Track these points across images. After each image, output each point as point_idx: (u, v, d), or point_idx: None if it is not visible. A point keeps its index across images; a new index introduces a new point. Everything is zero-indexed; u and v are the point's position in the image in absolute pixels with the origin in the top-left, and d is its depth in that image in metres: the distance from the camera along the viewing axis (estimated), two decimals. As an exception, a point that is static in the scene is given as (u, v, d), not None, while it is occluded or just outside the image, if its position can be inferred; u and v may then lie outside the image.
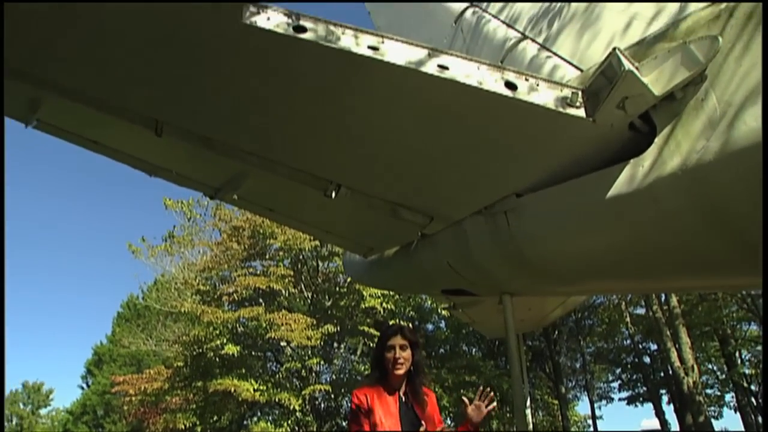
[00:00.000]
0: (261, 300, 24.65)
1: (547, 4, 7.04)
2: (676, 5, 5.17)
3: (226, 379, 22.12)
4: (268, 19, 3.81)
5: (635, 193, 3.80)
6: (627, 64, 3.69)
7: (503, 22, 7.60)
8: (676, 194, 3.61)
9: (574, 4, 6.49)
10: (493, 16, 7.94)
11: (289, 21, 3.82)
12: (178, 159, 5.69)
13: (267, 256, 25.99)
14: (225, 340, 22.86)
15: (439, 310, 27.06)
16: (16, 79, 4.54)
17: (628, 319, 30.63)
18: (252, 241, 25.16)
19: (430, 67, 3.83)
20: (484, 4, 8.31)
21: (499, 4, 7.99)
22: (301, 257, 25.48)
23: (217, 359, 23.66)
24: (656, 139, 3.75)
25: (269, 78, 4.16)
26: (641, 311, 30.26)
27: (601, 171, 4.06)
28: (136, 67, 4.31)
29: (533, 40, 6.84)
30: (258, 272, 24.99)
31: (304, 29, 3.81)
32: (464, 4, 8.79)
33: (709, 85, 3.52)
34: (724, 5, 3.66)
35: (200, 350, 23.87)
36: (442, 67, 3.87)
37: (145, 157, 5.83)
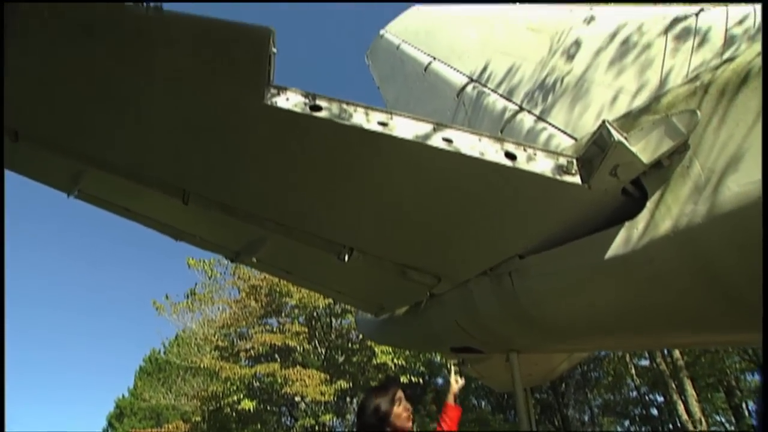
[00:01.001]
0: (277, 356, 24.26)
1: (541, 79, 7.33)
2: (656, 81, 5.38)
3: (243, 434, 21.47)
4: (287, 99, 3.99)
5: (631, 254, 3.81)
6: (616, 135, 3.80)
7: (501, 96, 7.86)
8: (669, 255, 3.62)
9: (566, 80, 6.75)
10: (491, 90, 8.22)
11: (306, 101, 4.00)
12: (202, 225, 5.81)
13: (283, 314, 25.81)
14: (242, 396, 22.33)
15: (449, 365, 26.36)
16: (62, 154, 4.75)
17: (633, 371, 29.61)
18: (269, 298, 25.06)
19: (436, 140, 3.96)
20: (483, 79, 8.63)
21: (497, 79, 8.30)
22: (315, 314, 25.26)
23: (234, 414, 23.02)
24: (648, 203, 3.80)
25: (287, 152, 4.31)
26: (646, 363, 29.29)
27: (599, 233, 4.09)
28: (168, 143, 4.50)
29: (530, 112, 7.05)
30: (274, 329, 24.72)
31: (319, 108, 3.98)
32: (465, 80, 9.11)
33: (692, 153, 3.60)
34: (699, 83, 3.80)
35: (217, 405, 23.29)
36: (447, 140, 4.00)
37: (172, 223, 5.96)
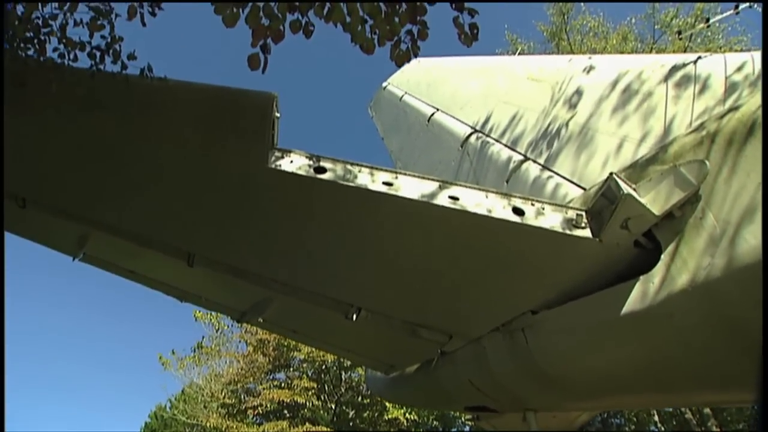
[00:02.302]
0: (286, 412, 23.54)
1: (544, 127, 7.39)
2: (660, 129, 5.40)
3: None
4: (292, 162, 4.02)
5: (649, 310, 3.69)
6: (625, 188, 3.76)
7: (505, 145, 7.92)
8: (689, 310, 3.51)
9: (569, 128, 6.80)
10: (495, 139, 8.29)
11: (311, 163, 4.03)
12: (208, 286, 5.76)
13: (291, 368, 25.23)
14: (250, 457, 21.54)
15: (463, 418, 25.49)
16: (67, 219, 4.78)
17: (656, 418, 28.41)
18: (277, 353, 24.59)
19: (442, 199, 3.94)
20: (487, 129, 8.72)
21: (500, 129, 8.39)
22: (324, 367, 24.71)
23: (243, 476, 22.14)
24: (663, 256, 3.72)
25: (293, 213, 4.31)
26: (670, 409, 28.12)
27: (613, 288, 3.99)
28: (173, 208, 4.52)
29: (535, 161, 7.08)
30: (282, 384, 24.12)
31: (324, 170, 4.00)
32: (468, 130, 9.21)
33: (705, 204, 3.54)
34: (705, 132, 3.80)
35: (225, 469, 22.47)
36: (453, 198, 3.98)
37: (177, 285, 5.92)
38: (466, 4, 2.82)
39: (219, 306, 6.34)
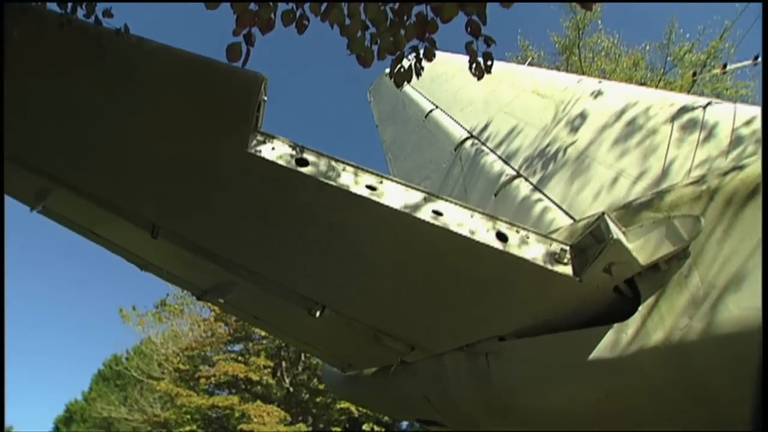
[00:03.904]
0: (242, 384, 23.41)
1: (542, 146, 7.26)
2: (659, 170, 5.30)
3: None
4: (273, 149, 3.82)
5: (618, 360, 3.62)
6: (615, 231, 3.65)
7: (500, 157, 7.78)
8: (659, 367, 3.44)
9: (567, 152, 6.68)
10: (490, 149, 8.15)
11: (293, 153, 3.83)
12: (170, 260, 5.54)
13: (251, 342, 25.07)
14: (195, 427, 21.41)
15: (416, 416, 25.66)
16: (29, 171, 4.52)
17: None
18: (239, 324, 24.39)
19: (425, 212, 3.79)
20: (483, 137, 8.57)
21: (497, 139, 8.24)
22: (284, 345, 24.62)
23: (185, 445, 22.06)
24: (640, 308, 3.64)
25: (268, 203, 4.12)
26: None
27: (586, 330, 3.90)
28: (142, 177, 4.30)
29: (526, 179, 6.95)
30: (239, 357, 23.97)
31: (306, 163, 3.81)
32: (465, 134, 9.04)
33: (692, 262, 3.46)
34: (705, 186, 3.70)
35: (168, 433, 22.33)
36: (437, 213, 3.83)
37: (139, 253, 5.69)
38: (484, 30, 2.62)
39: (180, 281, 6.14)
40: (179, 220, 4.66)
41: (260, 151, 3.75)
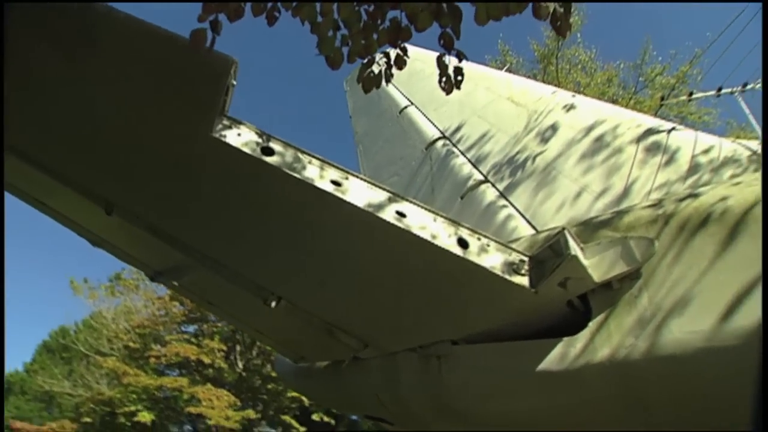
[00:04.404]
0: (193, 366, 23.02)
1: (512, 154, 7.34)
2: (621, 188, 5.44)
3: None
4: (239, 135, 3.73)
5: (564, 373, 3.70)
6: (573, 247, 3.71)
7: (469, 161, 7.83)
8: (603, 383, 3.54)
9: (535, 162, 6.78)
10: (461, 151, 8.20)
11: (259, 141, 3.75)
12: (124, 238, 5.38)
13: (206, 324, 24.69)
14: (141, 407, 20.95)
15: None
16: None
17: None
18: (194, 304, 23.99)
19: (389, 213, 3.77)
20: (455, 138, 8.61)
21: (468, 142, 8.29)
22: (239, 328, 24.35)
23: (129, 424, 21.55)
24: (591, 323, 3.72)
25: (230, 189, 4.03)
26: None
27: (537, 341, 3.97)
28: (99, 150, 4.13)
29: (493, 185, 7.02)
30: (192, 339, 23.56)
31: (271, 152, 3.74)
32: (437, 134, 9.06)
33: (643, 283, 3.55)
34: (661, 210, 3.80)
35: (112, 411, 21.78)
36: (400, 214, 3.81)
37: (91, 229, 5.50)
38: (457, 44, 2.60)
39: (133, 260, 5.96)
40: (136, 199, 4.51)
41: (225, 137, 3.66)
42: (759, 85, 4.67)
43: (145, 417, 20.45)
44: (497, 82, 9.05)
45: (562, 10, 2.50)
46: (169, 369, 24.40)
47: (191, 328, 25.33)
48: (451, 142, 8.67)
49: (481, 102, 8.83)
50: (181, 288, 6.00)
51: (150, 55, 3.47)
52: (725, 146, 4.78)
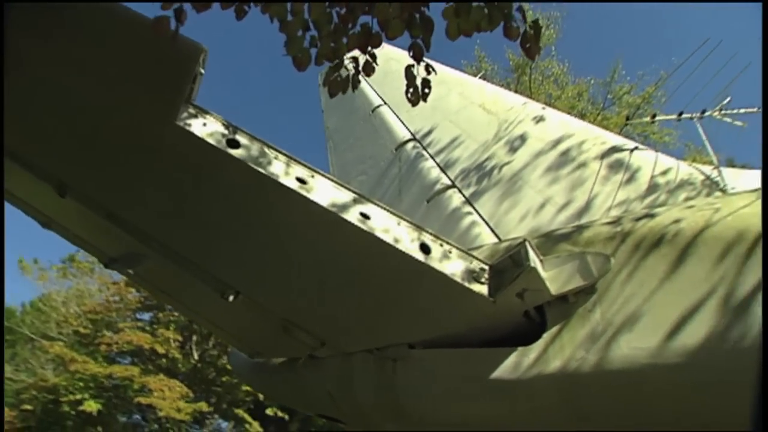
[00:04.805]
0: (146, 355, 22.40)
1: (480, 161, 7.43)
2: (583, 202, 5.56)
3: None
4: (205, 125, 3.65)
5: (517, 383, 3.76)
6: (533, 260, 3.77)
7: (438, 165, 7.88)
8: (552, 394, 3.61)
9: (503, 171, 6.87)
10: (430, 155, 8.23)
11: (225, 132, 3.68)
12: (77, 221, 5.18)
13: (161, 312, 24.06)
14: (87, 396, 20.25)
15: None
16: None
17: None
18: (151, 292, 23.41)
19: (353, 214, 3.75)
20: (426, 141, 8.63)
21: (438, 146, 8.34)
22: (197, 320, 23.86)
23: (73, 413, 20.83)
24: (545, 335, 3.79)
25: (191, 180, 3.93)
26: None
27: (491, 350, 4.02)
28: (54, 129, 3.96)
29: (460, 191, 7.09)
30: (146, 327, 22.96)
31: (237, 144, 3.67)
32: (408, 136, 9.07)
33: (597, 298, 3.64)
34: (619, 228, 3.90)
35: (56, 399, 21.00)
36: (364, 216, 3.80)
37: (43, 210, 5.28)
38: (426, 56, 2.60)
39: (86, 245, 5.75)
40: (93, 182, 4.35)
41: (190, 125, 3.57)
42: (716, 113, 4.86)
43: (91, 406, 19.79)
44: (471, 89, 9.12)
45: (532, 32, 2.53)
46: (120, 357, 23.71)
47: (146, 316, 24.70)
48: (421, 144, 8.69)
49: (454, 107, 8.89)
50: (135, 276, 5.82)
51: (117, 34, 3.36)
52: (682, 169, 4.95)
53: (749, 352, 2.77)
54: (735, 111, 4.90)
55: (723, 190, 4.43)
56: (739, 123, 4.83)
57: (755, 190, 3.65)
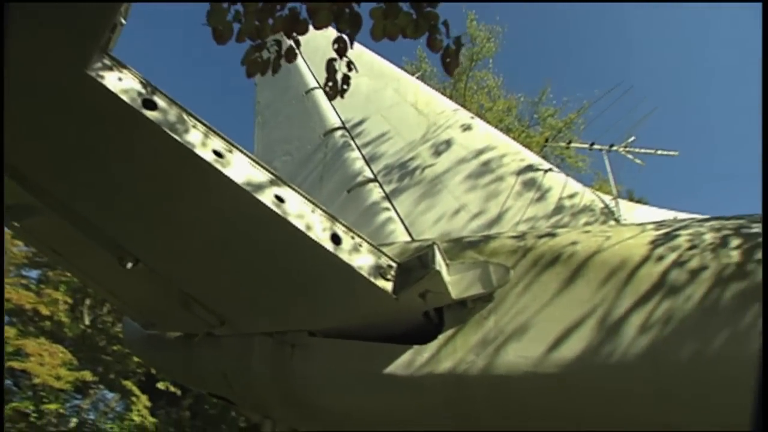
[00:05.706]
0: (27, 315, 20.63)
1: (405, 159, 7.54)
2: (495, 213, 5.82)
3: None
4: (120, 79, 3.41)
5: (408, 379, 3.87)
6: (439, 263, 3.89)
7: (363, 157, 7.90)
8: (440, 393, 3.75)
9: (425, 172, 7.02)
10: (357, 146, 8.24)
11: (142, 91, 3.47)
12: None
13: (53, 270, 22.28)
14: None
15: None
16: None
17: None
18: (43, 248, 21.58)
19: (267, 195, 3.68)
20: (355, 132, 8.63)
21: (366, 139, 8.36)
22: (92, 282, 22.29)
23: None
24: (440, 336, 3.93)
25: (98, 135, 3.66)
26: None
27: (387, 345, 4.11)
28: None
29: (381, 186, 7.16)
30: (32, 286, 21.18)
31: (154, 106, 3.47)
32: (338, 123, 9.01)
33: (493, 307, 3.83)
34: (522, 243, 4.12)
35: None
36: (279, 199, 3.74)
37: None
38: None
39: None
40: (-18, 122, 3.94)
41: (103, 78, 3.33)
42: (622, 149, 5.26)
43: (-46, 365, 17.99)
44: (406, 87, 9.22)
45: (454, 48, 2.60)
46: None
47: (34, 273, 22.78)
48: (350, 134, 8.67)
49: (387, 102, 8.95)
50: (23, 231, 5.35)
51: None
52: (587, 195, 5.32)
53: (615, 367, 3.05)
54: (637, 150, 5.33)
55: (617, 220, 4.81)
56: (639, 161, 5.26)
57: (642, 224, 3.99)
